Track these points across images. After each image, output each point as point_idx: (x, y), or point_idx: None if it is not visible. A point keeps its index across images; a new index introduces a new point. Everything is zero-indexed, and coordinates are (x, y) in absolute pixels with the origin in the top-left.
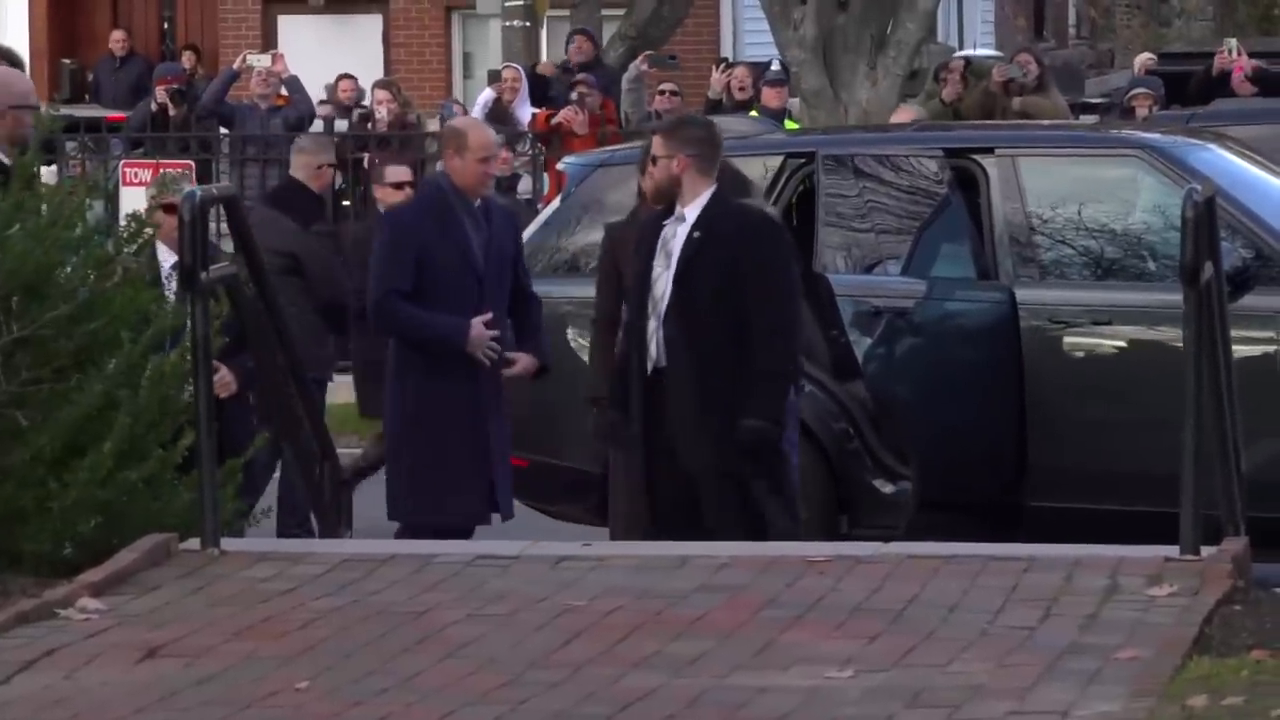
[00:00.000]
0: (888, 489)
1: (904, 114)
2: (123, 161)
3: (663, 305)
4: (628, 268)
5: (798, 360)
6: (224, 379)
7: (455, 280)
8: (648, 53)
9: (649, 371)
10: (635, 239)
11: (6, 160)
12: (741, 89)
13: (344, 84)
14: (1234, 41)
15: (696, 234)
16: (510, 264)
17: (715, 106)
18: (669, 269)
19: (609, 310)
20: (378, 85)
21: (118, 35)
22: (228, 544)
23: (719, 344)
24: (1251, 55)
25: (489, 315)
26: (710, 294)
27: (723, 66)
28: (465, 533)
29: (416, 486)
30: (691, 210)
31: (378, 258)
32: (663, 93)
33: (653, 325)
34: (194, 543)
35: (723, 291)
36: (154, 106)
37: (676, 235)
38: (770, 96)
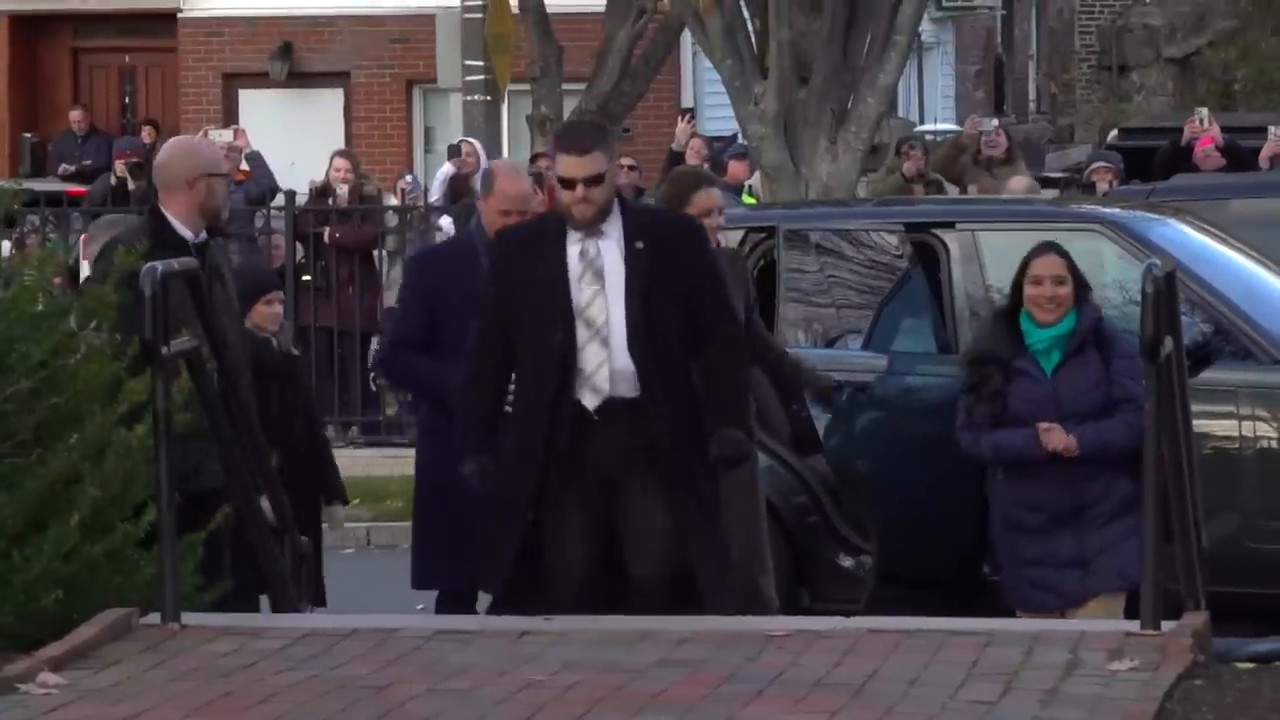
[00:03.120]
0: (848, 562)
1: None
2: (83, 235)
3: (610, 331)
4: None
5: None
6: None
7: (468, 327)
8: None
9: (585, 410)
10: (516, 255)
11: (190, 234)
12: (696, 156)
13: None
14: (1205, 111)
15: (639, 245)
16: None
17: (678, 158)
18: (603, 290)
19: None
20: (337, 154)
21: (76, 115)
22: (188, 618)
23: (685, 367)
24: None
25: None
26: (669, 312)
27: (687, 117)
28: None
29: (440, 552)
30: (611, 222)
31: (397, 306)
32: (621, 167)
33: (599, 354)
34: (154, 617)
35: (677, 306)
36: (113, 180)
37: (602, 250)
38: (736, 170)
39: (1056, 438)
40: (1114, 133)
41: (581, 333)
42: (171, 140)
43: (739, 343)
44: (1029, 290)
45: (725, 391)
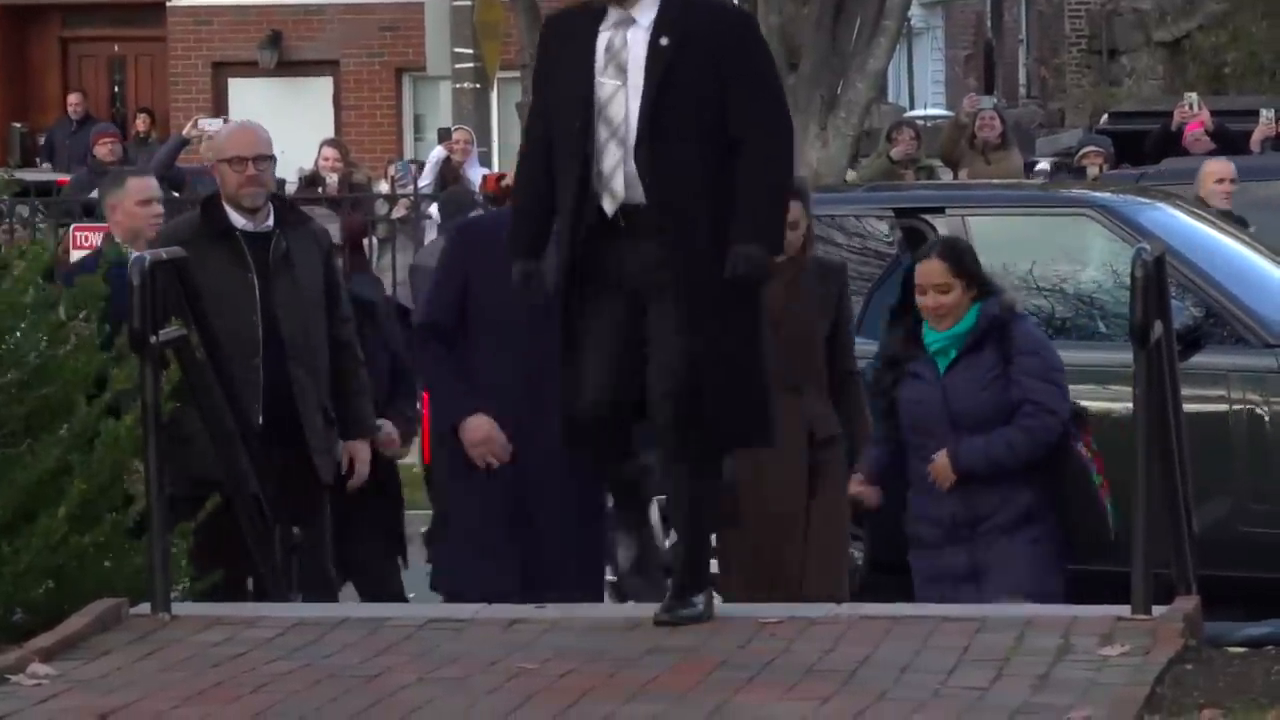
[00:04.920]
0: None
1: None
2: (73, 225)
3: (628, 130)
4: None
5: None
6: (389, 435)
7: (500, 315)
8: None
9: (608, 213)
10: (552, 44)
11: (244, 222)
12: None
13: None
14: (1194, 96)
15: (664, 41)
16: None
17: None
18: (625, 85)
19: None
20: (326, 143)
21: (74, 99)
22: (179, 609)
23: (709, 175)
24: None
25: (490, 423)
26: (690, 114)
27: None
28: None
29: (452, 557)
30: (644, 10)
31: (431, 283)
32: None
33: (615, 154)
34: (145, 607)
35: (705, 109)
36: (91, 160)
37: (629, 43)
38: None
39: (939, 471)
40: (1104, 117)
41: (601, 131)
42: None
43: (780, 151)
44: (917, 299)
45: (750, 203)
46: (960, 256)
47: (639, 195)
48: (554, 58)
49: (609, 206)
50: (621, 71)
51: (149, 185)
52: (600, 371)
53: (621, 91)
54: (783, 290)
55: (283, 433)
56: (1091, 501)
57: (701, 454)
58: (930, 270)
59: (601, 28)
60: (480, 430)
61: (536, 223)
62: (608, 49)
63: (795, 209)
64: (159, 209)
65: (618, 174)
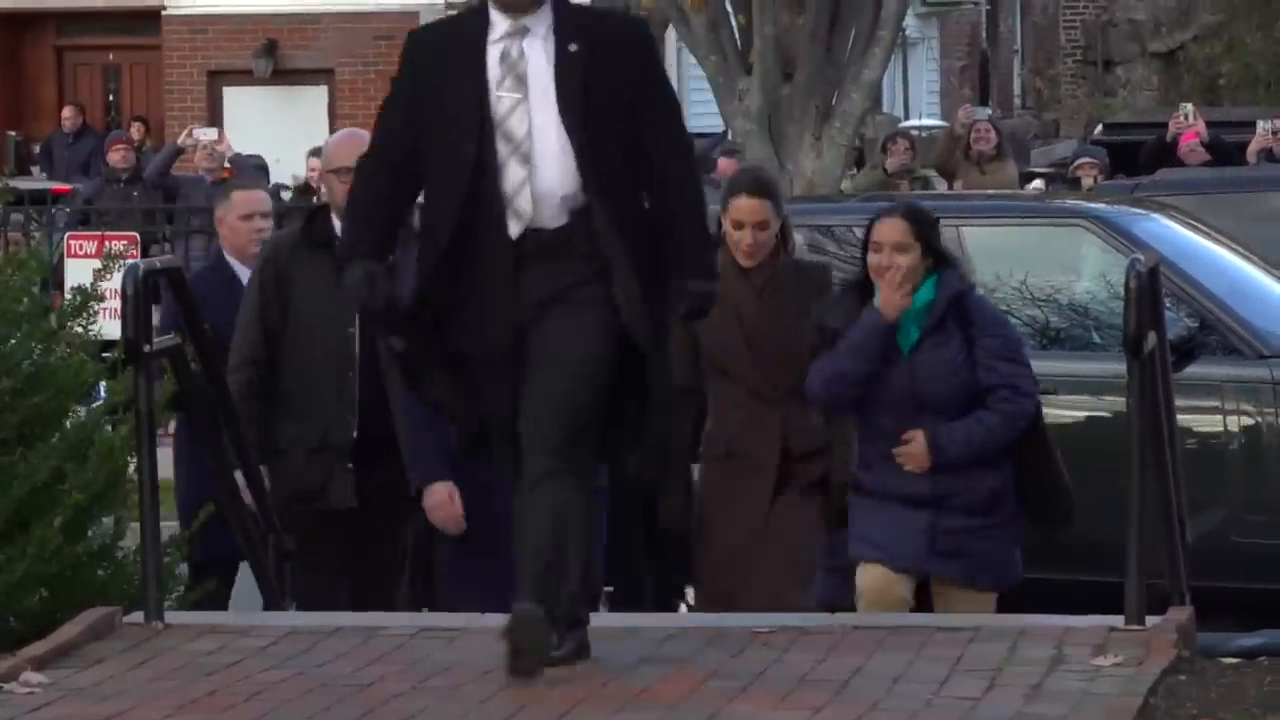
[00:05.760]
0: None
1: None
2: (68, 234)
3: (532, 146)
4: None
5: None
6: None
7: None
8: None
9: (512, 235)
10: (425, 60)
11: None
12: None
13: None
14: (1189, 107)
15: (573, 48)
16: None
17: None
18: (526, 98)
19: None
20: (312, 153)
21: (68, 112)
22: (172, 617)
23: (635, 193)
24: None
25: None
26: (609, 129)
27: None
28: None
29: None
30: (538, 19)
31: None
32: None
33: (518, 172)
34: (138, 616)
35: (619, 125)
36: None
37: (527, 53)
38: (725, 167)
39: (913, 458)
40: (1099, 128)
41: (501, 148)
42: None
43: (695, 174)
44: (870, 258)
45: (686, 234)
46: (921, 218)
47: (548, 216)
48: (430, 75)
49: (514, 228)
50: (521, 83)
51: (253, 199)
52: (493, 385)
53: (523, 105)
54: (756, 295)
55: (375, 449)
56: (1058, 476)
57: (579, 471)
58: (891, 228)
59: (490, 40)
60: (440, 495)
61: (381, 226)
62: (503, 60)
63: (765, 209)
64: (262, 224)
65: (523, 193)
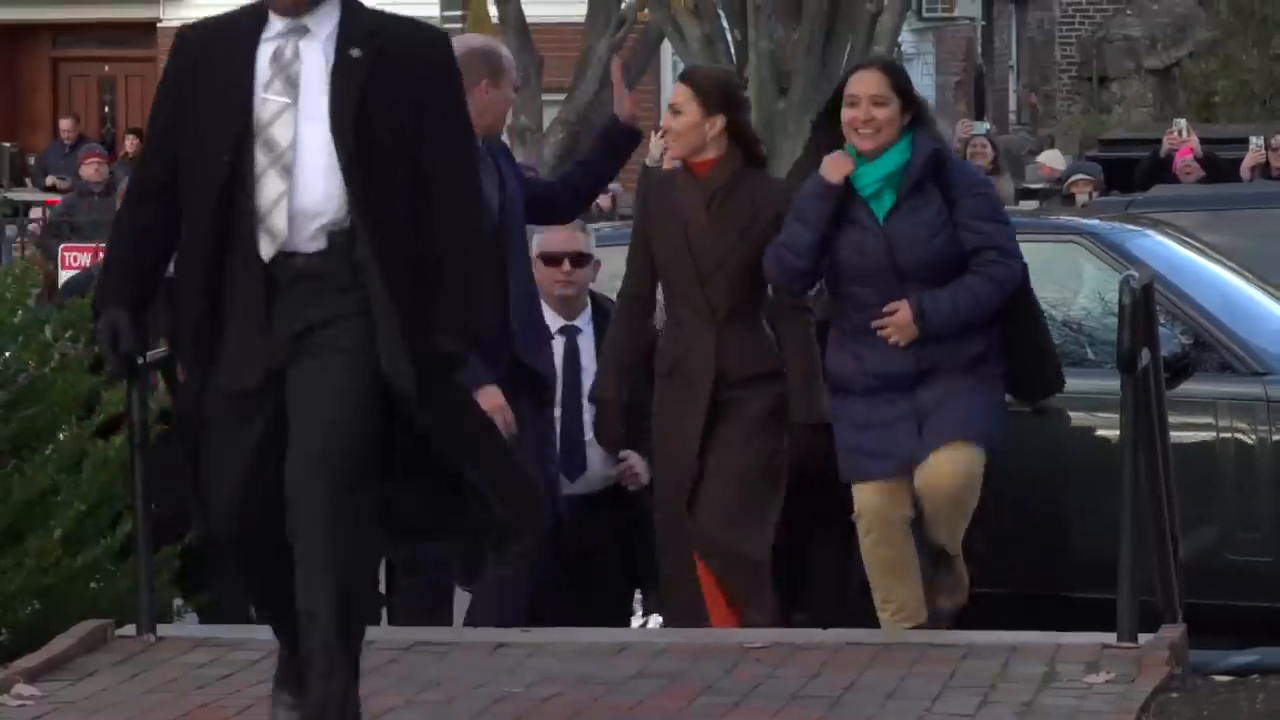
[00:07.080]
0: None
1: None
2: (61, 245)
3: (295, 157)
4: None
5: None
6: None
7: None
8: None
9: (264, 258)
10: (189, 59)
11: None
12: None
13: None
14: (1183, 122)
15: (355, 53)
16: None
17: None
18: (295, 104)
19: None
20: None
21: (65, 124)
22: (164, 630)
23: (410, 218)
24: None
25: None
26: (388, 149)
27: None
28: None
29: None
30: (321, 19)
31: None
32: None
33: (277, 185)
34: (131, 629)
35: (401, 146)
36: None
37: (302, 55)
38: None
39: (899, 329)
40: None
41: (260, 157)
42: None
43: (476, 205)
44: (844, 113)
45: (448, 285)
46: (898, 72)
47: (304, 238)
48: (193, 75)
49: (266, 249)
50: (291, 87)
51: None
52: (234, 470)
53: (290, 111)
54: (704, 206)
55: None
56: (1047, 346)
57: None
58: (867, 79)
59: (264, 37)
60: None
61: (136, 268)
62: (275, 59)
63: (682, 93)
64: None
65: (279, 210)
